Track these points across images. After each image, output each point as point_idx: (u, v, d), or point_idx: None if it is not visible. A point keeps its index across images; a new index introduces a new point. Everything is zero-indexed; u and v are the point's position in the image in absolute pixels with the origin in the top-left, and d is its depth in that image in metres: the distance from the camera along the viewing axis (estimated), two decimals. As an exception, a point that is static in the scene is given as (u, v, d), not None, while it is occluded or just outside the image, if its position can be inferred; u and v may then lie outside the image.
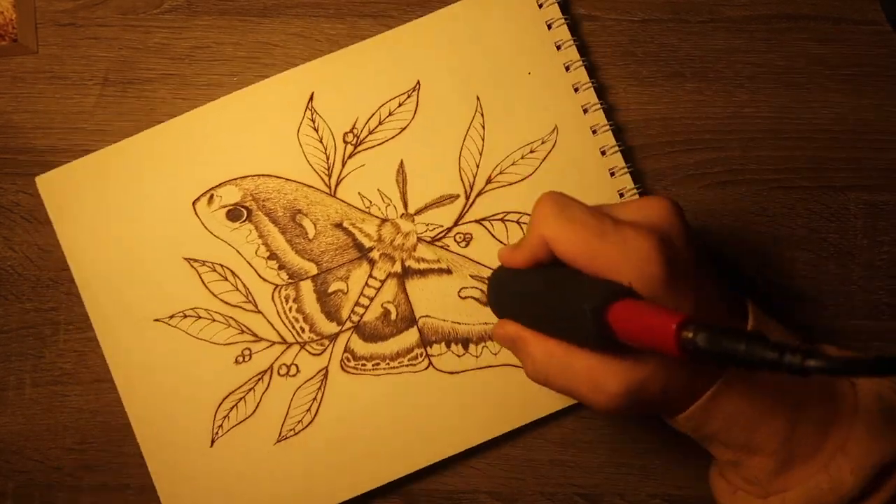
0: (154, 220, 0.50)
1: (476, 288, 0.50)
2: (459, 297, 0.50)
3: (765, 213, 0.51)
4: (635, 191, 0.50)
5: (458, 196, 0.50)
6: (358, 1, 0.52)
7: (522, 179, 0.50)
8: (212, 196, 0.50)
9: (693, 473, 0.51)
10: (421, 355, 0.50)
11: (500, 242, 0.50)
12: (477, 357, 0.50)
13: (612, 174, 0.50)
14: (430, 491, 0.51)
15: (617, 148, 0.50)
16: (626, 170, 0.50)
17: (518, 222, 0.50)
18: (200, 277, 0.50)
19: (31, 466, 0.51)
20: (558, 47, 0.50)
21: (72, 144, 0.51)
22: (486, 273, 0.50)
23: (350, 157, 0.50)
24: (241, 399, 0.49)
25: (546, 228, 0.38)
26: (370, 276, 0.50)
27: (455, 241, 0.50)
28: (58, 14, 0.52)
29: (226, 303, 0.50)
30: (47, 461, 0.51)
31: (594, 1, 0.52)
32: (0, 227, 0.51)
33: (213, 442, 0.49)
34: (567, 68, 0.50)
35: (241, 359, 0.50)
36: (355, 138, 0.50)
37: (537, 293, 0.40)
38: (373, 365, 0.50)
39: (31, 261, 0.51)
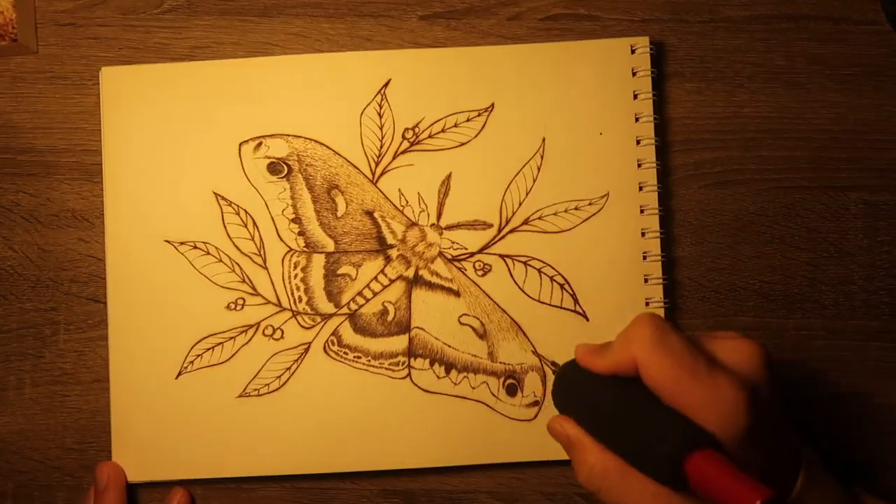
0: (198, 147, 0.50)
1: (477, 319, 0.50)
2: (459, 322, 0.50)
3: (765, 213, 0.51)
4: (661, 280, 0.50)
5: (491, 225, 0.50)
6: (358, 1, 0.52)
7: (559, 232, 0.50)
8: (260, 143, 0.50)
9: (693, 473, 0.51)
10: (403, 364, 0.50)
11: (516, 284, 0.50)
12: (455, 384, 0.50)
13: (645, 257, 0.50)
14: (430, 491, 0.51)
15: (658, 234, 0.50)
16: (659, 258, 0.50)
17: (539, 271, 0.50)
18: (222, 216, 0.50)
19: (31, 466, 0.51)
20: (637, 119, 0.50)
21: (72, 144, 0.51)
22: (492, 308, 0.50)
23: (403, 152, 0.50)
24: (219, 343, 0.50)
25: (641, 351, 0.38)
26: (382, 271, 0.50)
27: (474, 267, 0.50)
28: (58, 14, 0.52)
29: (237, 248, 0.50)
30: (47, 461, 0.51)
31: (594, 1, 0.52)
32: (0, 227, 0.51)
33: (178, 375, 0.49)
34: (638, 142, 0.50)
35: (233, 306, 0.50)
36: (415, 136, 0.50)
37: (611, 406, 0.39)
38: (354, 356, 0.50)
39: (31, 261, 0.51)
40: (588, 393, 0.40)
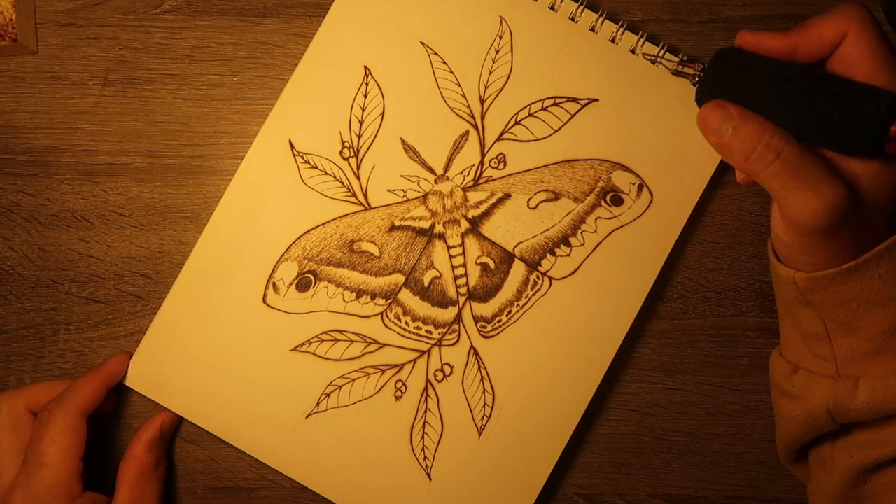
0: (239, 325, 0.50)
1: (539, 192, 0.50)
2: (531, 208, 0.50)
3: (765, 213, 0.51)
4: None
5: (467, 131, 0.50)
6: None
7: (507, 78, 0.50)
8: (274, 284, 0.50)
9: (693, 474, 0.51)
10: (538, 278, 0.50)
11: (535, 139, 0.50)
12: (583, 244, 0.49)
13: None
14: (431, 491, 0.51)
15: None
16: None
17: (544, 107, 0.50)
18: (317, 355, 0.49)
19: (31, 466, 0.51)
20: None
21: (72, 144, 0.51)
22: (535, 178, 0.50)
23: (359, 166, 0.50)
24: (424, 423, 0.49)
25: (859, 20, 0.37)
26: (448, 248, 0.50)
27: (492, 167, 0.50)
28: (58, 14, 0.52)
29: (352, 359, 0.49)
30: (47, 461, 0.51)
31: (594, 0, 0.52)
32: (0, 227, 0.51)
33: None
34: None
35: (398, 394, 0.49)
36: (352, 149, 0.50)
37: (798, 81, 0.37)
38: (507, 316, 0.50)
39: (30, 261, 0.51)
40: (761, 76, 0.38)
